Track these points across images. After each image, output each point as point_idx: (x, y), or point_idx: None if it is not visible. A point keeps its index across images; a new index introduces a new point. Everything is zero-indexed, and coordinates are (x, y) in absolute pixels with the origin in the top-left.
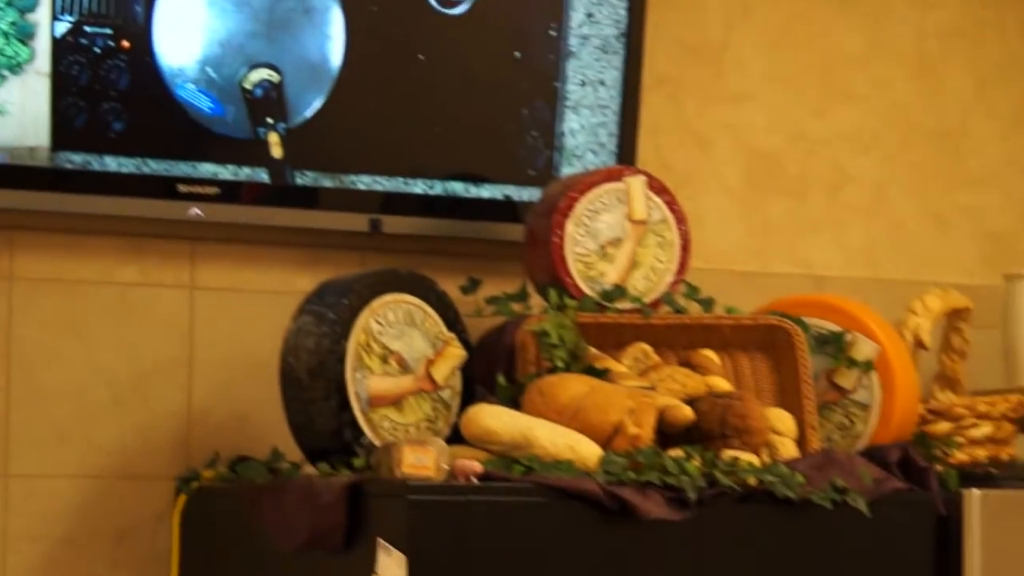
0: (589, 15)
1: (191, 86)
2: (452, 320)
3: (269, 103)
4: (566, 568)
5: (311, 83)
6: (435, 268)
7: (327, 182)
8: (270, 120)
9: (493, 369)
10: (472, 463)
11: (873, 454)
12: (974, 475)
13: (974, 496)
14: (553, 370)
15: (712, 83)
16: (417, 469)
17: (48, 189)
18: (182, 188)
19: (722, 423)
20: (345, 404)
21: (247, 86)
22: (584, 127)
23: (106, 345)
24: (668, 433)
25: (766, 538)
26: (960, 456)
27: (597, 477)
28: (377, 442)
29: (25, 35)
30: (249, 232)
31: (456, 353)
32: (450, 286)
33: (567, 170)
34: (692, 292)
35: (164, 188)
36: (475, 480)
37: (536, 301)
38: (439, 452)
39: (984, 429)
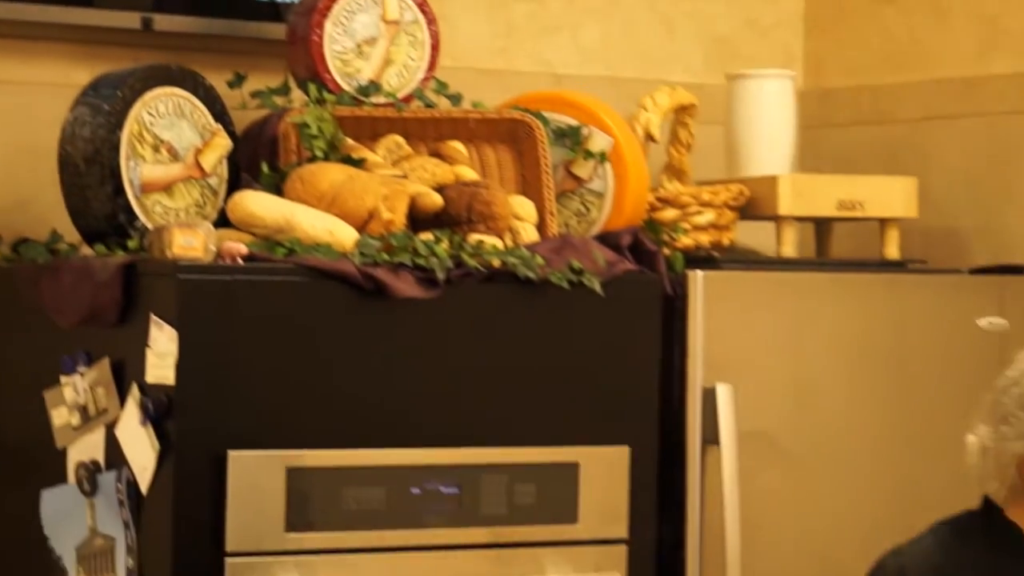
0: None
1: None
2: (219, 112)
3: None
4: (325, 342)
5: None
6: (203, 64)
7: None
8: None
9: (257, 158)
10: (238, 245)
11: (607, 238)
12: (698, 258)
13: (698, 277)
14: (313, 159)
15: None
16: (186, 250)
17: None
18: None
19: (469, 209)
20: (119, 190)
21: None
22: None
23: None
24: (419, 218)
25: (508, 315)
26: (685, 241)
27: (353, 258)
28: (149, 225)
29: None
30: (29, 28)
31: (223, 143)
32: (217, 81)
33: None
34: (441, 88)
35: None
36: (240, 261)
37: (297, 95)
38: (207, 234)
39: (707, 216)
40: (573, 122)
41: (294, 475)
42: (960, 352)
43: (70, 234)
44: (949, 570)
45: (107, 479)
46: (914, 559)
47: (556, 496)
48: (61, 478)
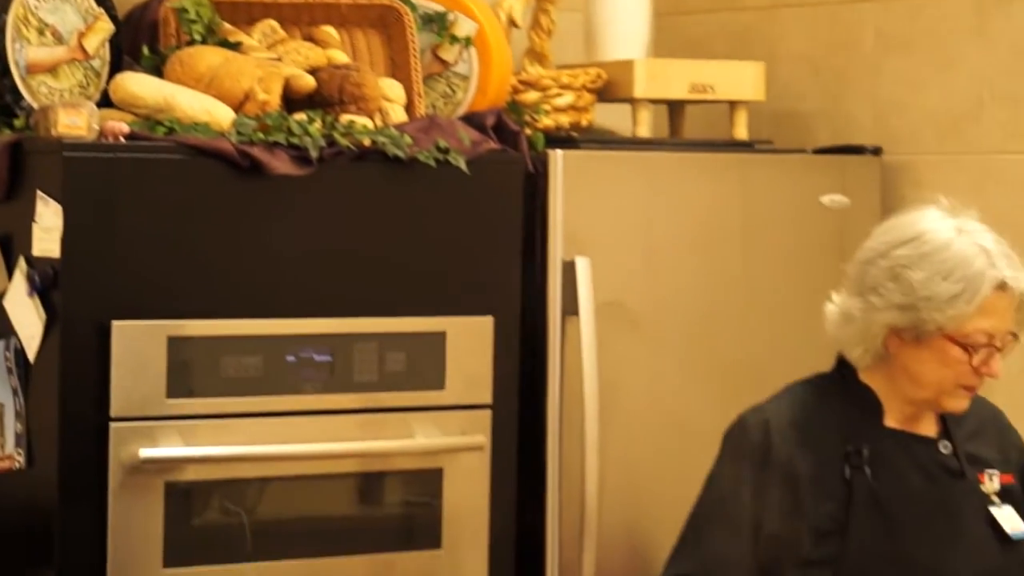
0: None
1: None
2: None
3: None
4: (204, 217)
5: None
6: None
7: None
8: None
9: (138, 41)
10: (120, 124)
11: (471, 119)
12: (558, 138)
13: (558, 156)
14: (191, 43)
15: None
16: (71, 129)
17: None
18: None
19: (340, 91)
20: (5, 71)
21: None
22: None
23: None
24: (293, 99)
25: (379, 192)
26: (546, 121)
27: (230, 137)
28: (35, 105)
29: None
30: None
31: (105, 27)
32: None
33: None
34: None
35: None
36: (122, 139)
37: None
38: (91, 114)
39: (567, 98)
40: (440, 8)
41: (175, 344)
42: (804, 227)
43: None
44: (811, 425)
45: None
46: (776, 415)
47: (424, 364)
48: None
